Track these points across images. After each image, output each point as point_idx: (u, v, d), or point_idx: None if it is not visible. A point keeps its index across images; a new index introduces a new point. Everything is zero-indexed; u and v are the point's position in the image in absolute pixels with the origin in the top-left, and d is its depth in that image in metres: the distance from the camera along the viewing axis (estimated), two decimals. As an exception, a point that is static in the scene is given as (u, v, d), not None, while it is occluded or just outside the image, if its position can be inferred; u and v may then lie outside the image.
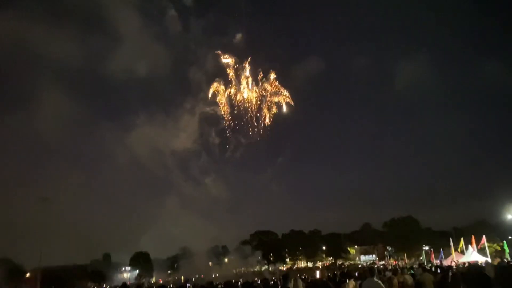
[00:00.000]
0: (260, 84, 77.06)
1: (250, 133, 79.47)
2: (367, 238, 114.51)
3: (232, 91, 79.17)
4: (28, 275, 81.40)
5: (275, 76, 77.92)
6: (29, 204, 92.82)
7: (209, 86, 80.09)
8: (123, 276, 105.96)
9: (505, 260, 33.93)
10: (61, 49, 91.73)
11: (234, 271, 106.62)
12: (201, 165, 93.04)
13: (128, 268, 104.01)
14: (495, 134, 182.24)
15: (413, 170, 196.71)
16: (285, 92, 77.36)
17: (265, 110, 78.32)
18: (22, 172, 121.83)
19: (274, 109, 78.26)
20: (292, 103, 78.41)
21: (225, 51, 78.71)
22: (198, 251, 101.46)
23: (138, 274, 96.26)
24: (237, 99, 77.22)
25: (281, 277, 16.58)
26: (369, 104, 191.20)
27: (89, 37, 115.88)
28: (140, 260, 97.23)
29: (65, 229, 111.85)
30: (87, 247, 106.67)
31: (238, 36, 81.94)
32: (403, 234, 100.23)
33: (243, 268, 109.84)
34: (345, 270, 39.73)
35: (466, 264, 34.52)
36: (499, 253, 63.91)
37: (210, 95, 78.54)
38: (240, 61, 77.67)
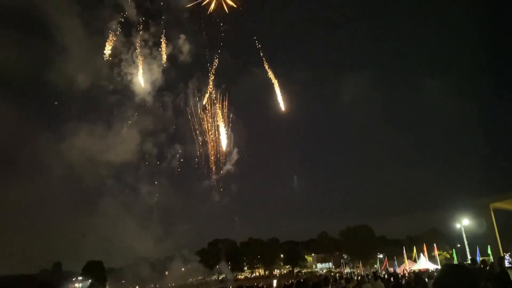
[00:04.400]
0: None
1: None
2: (323, 246, 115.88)
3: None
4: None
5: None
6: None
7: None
8: (74, 286, 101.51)
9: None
10: (1, 53, 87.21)
11: (190, 280, 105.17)
12: (144, 175, 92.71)
13: (80, 278, 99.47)
14: (446, 148, 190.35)
15: (367, 181, 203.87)
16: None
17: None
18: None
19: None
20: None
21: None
22: (153, 261, 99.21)
23: (90, 284, 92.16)
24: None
25: None
26: (321, 116, 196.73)
27: (30, 43, 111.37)
28: (93, 269, 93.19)
29: (9, 237, 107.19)
30: (34, 256, 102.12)
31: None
32: (358, 242, 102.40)
33: (200, 277, 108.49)
34: (301, 279, 39.94)
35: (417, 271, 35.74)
36: (448, 261, 66.58)
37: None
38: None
